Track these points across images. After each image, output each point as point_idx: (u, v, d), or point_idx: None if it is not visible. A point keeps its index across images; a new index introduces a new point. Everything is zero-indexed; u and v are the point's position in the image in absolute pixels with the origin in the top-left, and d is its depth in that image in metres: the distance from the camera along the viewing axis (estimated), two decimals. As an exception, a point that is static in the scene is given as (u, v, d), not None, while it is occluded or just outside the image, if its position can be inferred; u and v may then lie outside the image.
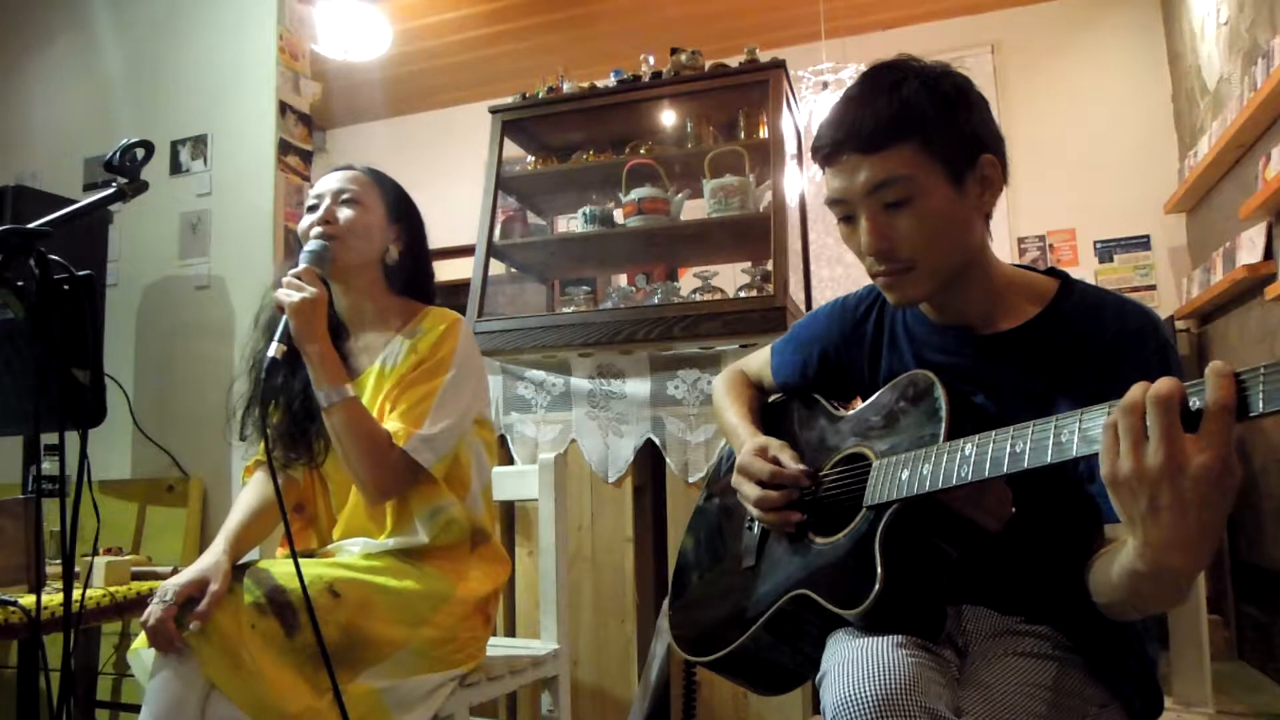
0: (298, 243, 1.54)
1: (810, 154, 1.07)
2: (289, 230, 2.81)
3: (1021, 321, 1.04)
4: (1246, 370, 0.67)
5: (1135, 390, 0.71)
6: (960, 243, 1.01)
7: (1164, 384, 0.69)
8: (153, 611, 1.21)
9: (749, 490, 1.11)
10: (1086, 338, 0.99)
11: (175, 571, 1.37)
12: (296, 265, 1.42)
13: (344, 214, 1.51)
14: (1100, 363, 0.97)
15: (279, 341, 1.31)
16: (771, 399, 1.34)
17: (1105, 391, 0.93)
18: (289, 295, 1.35)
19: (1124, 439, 0.71)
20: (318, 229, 1.49)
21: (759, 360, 1.36)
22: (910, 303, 1.07)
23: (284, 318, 1.34)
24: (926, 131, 0.96)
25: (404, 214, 1.60)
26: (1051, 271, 1.09)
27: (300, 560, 1.36)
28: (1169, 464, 0.68)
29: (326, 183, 1.56)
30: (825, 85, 3.91)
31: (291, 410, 1.49)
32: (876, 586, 0.90)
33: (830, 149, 1.01)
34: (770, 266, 2.31)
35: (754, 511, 1.11)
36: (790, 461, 1.09)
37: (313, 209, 1.53)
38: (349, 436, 1.37)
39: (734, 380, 1.36)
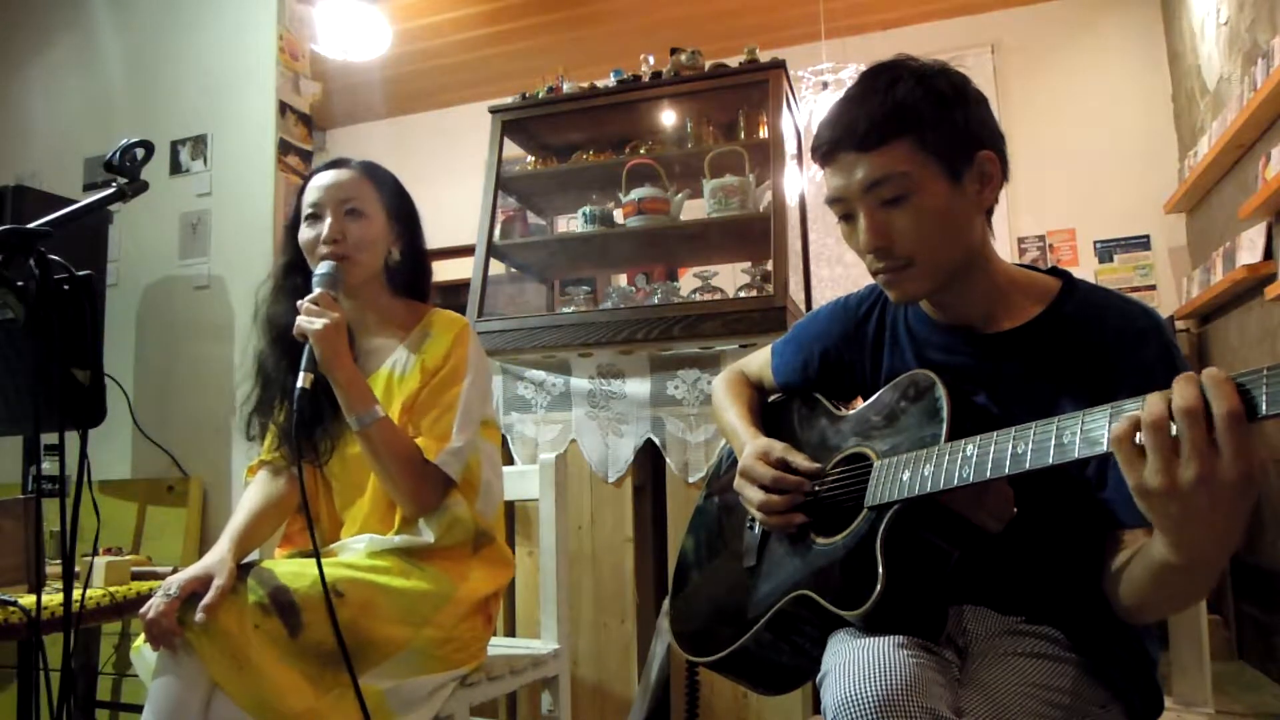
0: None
1: (810, 154, 1.08)
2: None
3: (1024, 321, 1.04)
4: (1249, 372, 0.67)
5: (1157, 403, 0.70)
6: (959, 239, 1.01)
7: (1188, 395, 0.68)
8: (154, 604, 1.21)
9: (752, 494, 1.10)
10: (1090, 338, 0.99)
11: (175, 571, 1.37)
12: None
13: (352, 231, 1.48)
14: (1103, 363, 0.97)
15: (305, 371, 1.30)
16: (772, 399, 1.34)
17: (1109, 391, 0.93)
18: (310, 323, 1.34)
19: (1153, 455, 0.70)
20: (325, 249, 1.46)
21: (759, 360, 1.35)
22: (911, 300, 1.07)
23: (307, 346, 1.33)
24: (922, 129, 0.97)
25: (402, 212, 1.58)
26: (1054, 271, 1.09)
27: (302, 560, 1.36)
28: (1202, 475, 0.68)
29: (326, 189, 1.50)
30: (825, 85, 3.90)
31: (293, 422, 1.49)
32: (878, 587, 0.90)
33: (828, 148, 1.02)
34: (770, 266, 2.31)
35: (757, 515, 1.11)
36: (800, 461, 1.09)
37: (313, 218, 1.49)
38: (386, 456, 1.37)
39: (733, 381, 1.36)
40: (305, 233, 1.50)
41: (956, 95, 1.00)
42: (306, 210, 1.51)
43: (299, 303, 1.38)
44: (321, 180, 1.52)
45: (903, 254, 1.00)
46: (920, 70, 1.01)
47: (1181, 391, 0.69)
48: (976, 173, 1.00)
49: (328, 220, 1.48)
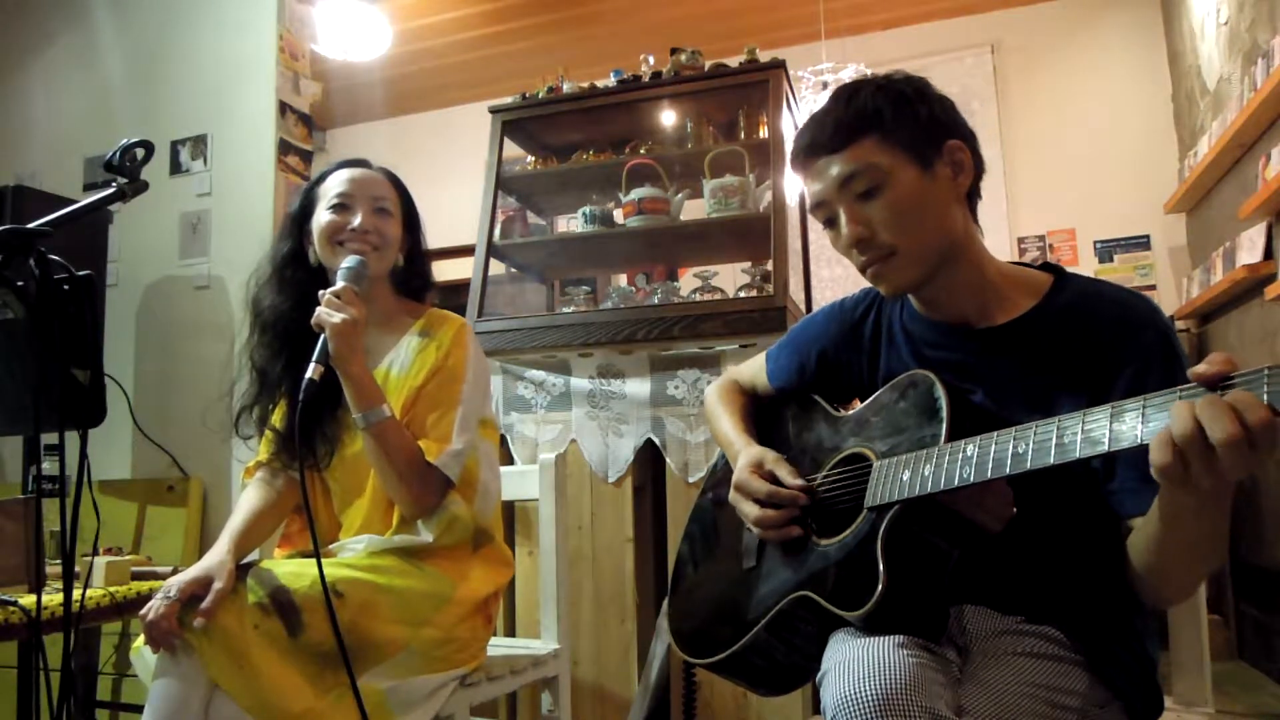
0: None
1: (791, 170, 1.13)
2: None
3: (1018, 314, 1.05)
4: (1250, 372, 0.67)
5: (1185, 420, 0.69)
6: (938, 224, 1.03)
7: (1209, 409, 0.68)
8: (154, 606, 1.21)
9: (747, 509, 1.11)
10: (1085, 328, 1.00)
11: (175, 571, 1.37)
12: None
13: (385, 228, 1.51)
14: (1101, 352, 0.97)
15: (317, 363, 1.29)
16: (769, 402, 1.33)
17: (1108, 380, 0.94)
18: (330, 316, 1.33)
19: (1198, 463, 0.69)
20: (359, 245, 1.47)
21: (753, 367, 1.36)
22: (901, 291, 1.08)
23: (322, 338, 1.32)
24: (885, 125, 1.02)
25: (411, 219, 1.61)
26: (1046, 266, 1.10)
27: (302, 560, 1.36)
28: (1248, 466, 0.69)
29: (357, 182, 1.52)
30: (825, 85, 3.90)
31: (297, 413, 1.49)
32: (879, 588, 0.90)
33: (803, 156, 1.08)
34: (770, 266, 2.31)
35: (753, 529, 1.11)
36: (788, 476, 1.09)
37: (341, 208, 1.50)
38: (390, 455, 1.37)
39: (726, 389, 1.36)
40: (330, 218, 1.50)
41: (916, 94, 1.05)
42: (333, 200, 1.51)
43: (321, 293, 1.37)
44: (352, 174, 1.54)
45: (885, 242, 1.02)
46: (880, 80, 1.07)
47: (1210, 417, 0.68)
48: (947, 160, 1.04)
49: (360, 212, 1.49)
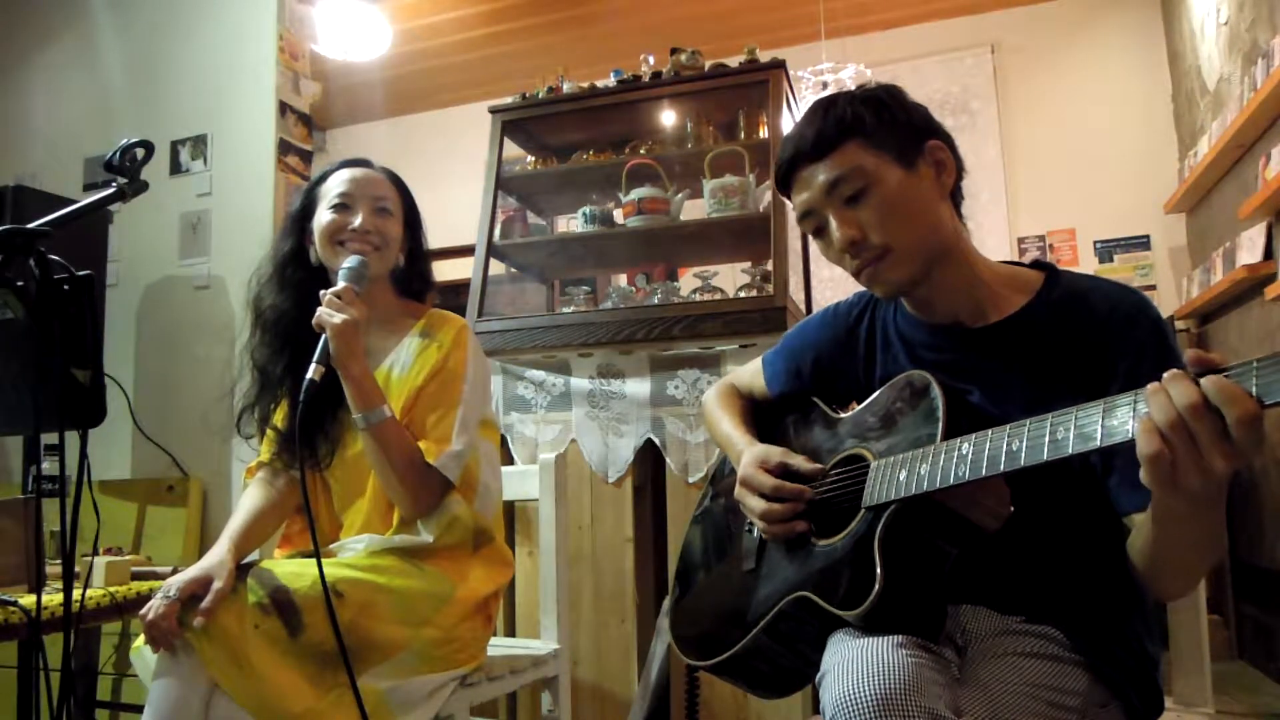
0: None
1: (776, 185, 1.14)
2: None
3: (1011, 313, 1.05)
4: (1239, 364, 0.67)
5: (1166, 407, 0.69)
6: (927, 222, 1.04)
7: (1186, 393, 0.68)
8: (154, 606, 1.21)
9: (754, 504, 1.11)
10: (1078, 324, 1.00)
11: (175, 571, 1.37)
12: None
13: (386, 228, 1.51)
14: (1095, 346, 0.98)
15: (318, 363, 1.30)
16: (766, 405, 1.33)
17: (1102, 374, 0.95)
18: (331, 316, 1.33)
19: (1183, 456, 0.69)
20: (359, 245, 1.47)
21: (750, 372, 1.36)
22: (896, 290, 1.08)
23: (323, 338, 1.33)
24: (866, 129, 1.04)
25: (412, 218, 1.61)
26: (1037, 264, 1.10)
27: (302, 560, 1.36)
28: (1233, 462, 0.69)
29: (358, 182, 1.52)
30: (825, 85, 3.90)
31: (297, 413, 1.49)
32: (876, 587, 0.90)
33: (787, 167, 1.09)
34: (770, 266, 2.31)
35: (759, 524, 1.11)
36: (800, 463, 1.10)
37: (342, 208, 1.50)
38: (390, 456, 1.37)
39: (724, 392, 1.37)
40: (331, 218, 1.50)
41: (893, 100, 1.07)
42: (334, 199, 1.51)
43: (322, 293, 1.37)
44: (353, 174, 1.54)
45: (876, 243, 1.03)
46: (853, 91, 1.09)
47: (1181, 394, 0.69)
48: (930, 160, 1.05)
49: (361, 212, 1.49)
